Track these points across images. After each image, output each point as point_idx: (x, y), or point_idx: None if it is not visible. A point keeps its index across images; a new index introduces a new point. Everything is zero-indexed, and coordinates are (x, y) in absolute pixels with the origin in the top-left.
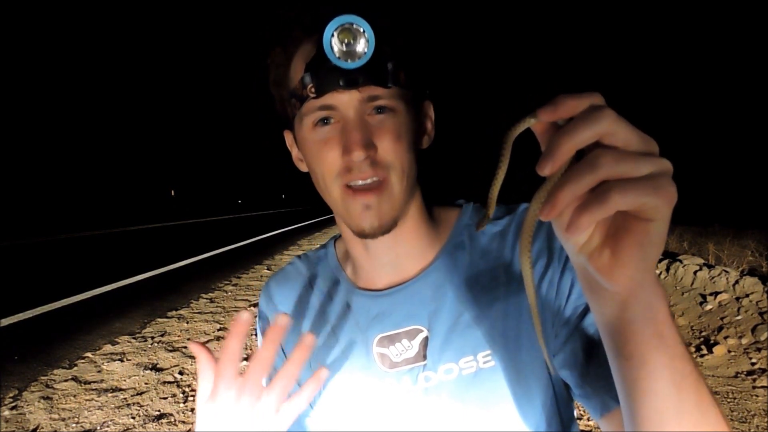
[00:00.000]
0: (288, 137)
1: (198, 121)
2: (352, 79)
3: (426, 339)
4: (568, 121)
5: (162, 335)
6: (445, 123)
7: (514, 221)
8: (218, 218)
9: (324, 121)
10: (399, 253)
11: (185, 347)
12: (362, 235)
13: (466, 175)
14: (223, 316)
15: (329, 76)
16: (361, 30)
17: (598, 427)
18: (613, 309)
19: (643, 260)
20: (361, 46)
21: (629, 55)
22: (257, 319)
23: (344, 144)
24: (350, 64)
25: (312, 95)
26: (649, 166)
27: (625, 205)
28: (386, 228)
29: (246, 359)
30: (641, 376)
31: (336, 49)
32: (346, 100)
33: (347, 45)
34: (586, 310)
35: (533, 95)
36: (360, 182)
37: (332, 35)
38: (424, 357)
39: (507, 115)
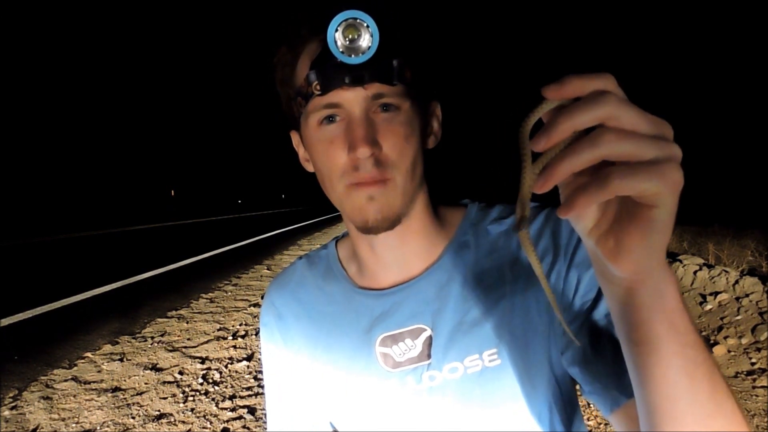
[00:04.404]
0: (294, 137)
1: (198, 121)
2: (357, 76)
3: (430, 338)
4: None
5: (162, 335)
6: (454, 122)
7: None
8: (218, 218)
9: (329, 119)
10: (405, 253)
11: (185, 347)
12: (366, 228)
13: (474, 174)
14: (223, 316)
15: (334, 73)
16: (365, 25)
17: (598, 428)
18: (622, 295)
19: (647, 247)
20: (366, 41)
21: (629, 54)
22: (260, 325)
23: (349, 141)
24: (354, 59)
25: (317, 92)
26: (655, 149)
27: (625, 190)
28: (390, 222)
29: (247, 359)
30: (651, 362)
31: (339, 43)
32: (352, 98)
33: (351, 40)
34: (594, 305)
35: (540, 89)
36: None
37: (336, 30)
38: (429, 356)
39: (516, 112)
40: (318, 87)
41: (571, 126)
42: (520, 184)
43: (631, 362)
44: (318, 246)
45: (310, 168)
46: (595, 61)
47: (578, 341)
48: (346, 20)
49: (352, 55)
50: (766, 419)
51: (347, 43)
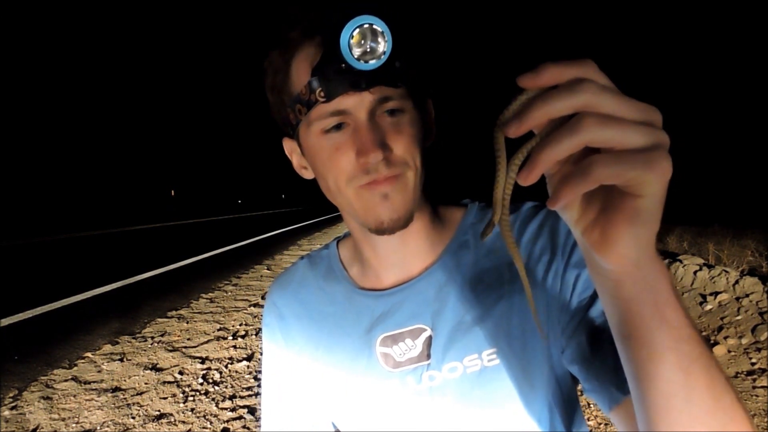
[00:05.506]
0: (287, 144)
1: (198, 122)
2: (362, 81)
3: (430, 338)
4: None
5: (162, 335)
6: (454, 122)
7: (518, 219)
8: (218, 218)
9: (336, 127)
10: (407, 253)
11: (185, 347)
12: (381, 228)
13: (474, 174)
14: (223, 316)
15: (339, 78)
16: (380, 30)
17: (598, 428)
18: (611, 287)
19: (634, 238)
20: (381, 46)
21: (629, 53)
22: (262, 325)
23: (358, 146)
24: (369, 65)
25: (321, 99)
26: (641, 136)
27: (608, 179)
28: (404, 221)
29: (247, 359)
30: (643, 357)
31: (354, 50)
32: (358, 103)
33: (366, 46)
34: (591, 303)
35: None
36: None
37: (351, 36)
38: (428, 356)
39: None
40: (322, 94)
41: (545, 113)
42: (494, 185)
43: (624, 358)
44: (318, 246)
45: (307, 175)
46: (589, 53)
47: (545, 337)
48: (361, 25)
49: (370, 61)
50: (766, 419)
51: (363, 49)
